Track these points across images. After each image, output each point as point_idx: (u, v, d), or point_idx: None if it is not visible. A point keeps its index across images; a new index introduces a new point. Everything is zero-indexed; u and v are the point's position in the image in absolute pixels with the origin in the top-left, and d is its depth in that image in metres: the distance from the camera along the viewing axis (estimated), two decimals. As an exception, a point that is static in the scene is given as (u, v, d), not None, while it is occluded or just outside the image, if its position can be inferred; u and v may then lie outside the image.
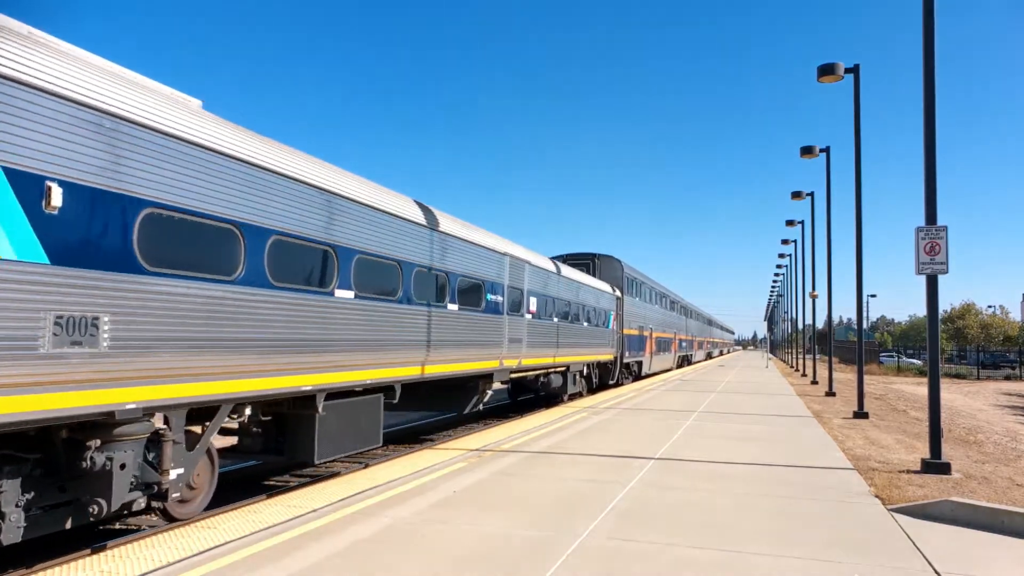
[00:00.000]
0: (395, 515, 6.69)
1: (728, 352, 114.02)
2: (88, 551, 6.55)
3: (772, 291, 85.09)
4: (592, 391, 23.27)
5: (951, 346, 69.78)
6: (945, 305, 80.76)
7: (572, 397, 20.54)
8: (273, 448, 8.71)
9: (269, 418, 8.66)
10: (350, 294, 8.89)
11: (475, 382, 13.89)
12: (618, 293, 26.16)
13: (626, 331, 26.82)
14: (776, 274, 67.62)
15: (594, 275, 25.51)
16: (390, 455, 11.86)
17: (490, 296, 13.59)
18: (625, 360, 26.89)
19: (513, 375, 15.58)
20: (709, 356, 72.61)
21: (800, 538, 6.14)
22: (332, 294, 8.54)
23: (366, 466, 10.25)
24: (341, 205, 8.79)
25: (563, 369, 19.06)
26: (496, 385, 14.84)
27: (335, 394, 8.94)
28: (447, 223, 11.86)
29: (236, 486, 9.83)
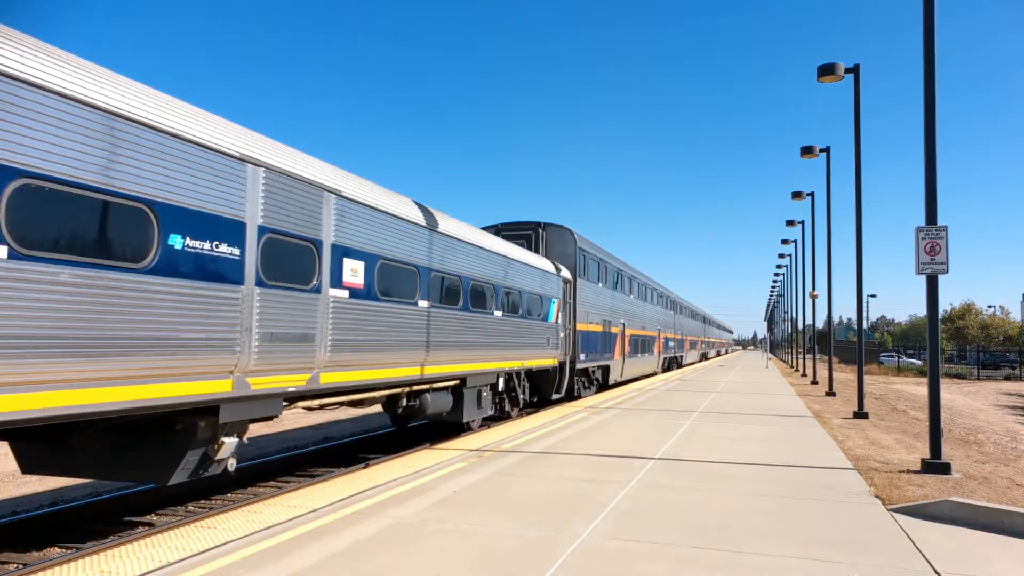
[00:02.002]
0: (395, 515, 6.69)
1: (727, 352, 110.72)
2: (89, 549, 6.55)
3: (772, 291, 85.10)
4: (532, 406, 17.89)
5: (951, 346, 69.78)
6: (945, 305, 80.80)
7: (487, 423, 14.83)
8: None
9: None
10: None
11: (174, 425, 6.93)
12: (566, 274, 18.92)
13: (581, 326, 19.82)
14: (776, 274, 67.68)
15: (537, 250, 18.68)
16: (390, 455, 11.86)
17: (187, 242, 6.44)
18: (580, 365, 19.76)
19: (301, 403, 9.00)
20: (704, 357, 66.06)
21: (800, 538, 6.14)
22: None
23: (366, 466, 10.25)
24: None
25: (452, 384, 12.48)
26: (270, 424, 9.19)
27: None
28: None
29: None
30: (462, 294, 12.39)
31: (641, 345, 30.30)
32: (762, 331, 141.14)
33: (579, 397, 20.28)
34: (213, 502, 9.32)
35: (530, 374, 16.88)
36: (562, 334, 18.22)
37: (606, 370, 23.69)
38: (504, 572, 5.15)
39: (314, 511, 6.77)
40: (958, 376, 44.97)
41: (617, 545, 5.83)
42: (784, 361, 68.57)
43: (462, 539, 5.95)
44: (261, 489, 10.07)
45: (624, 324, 26.29)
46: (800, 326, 48.16)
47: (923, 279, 9.96)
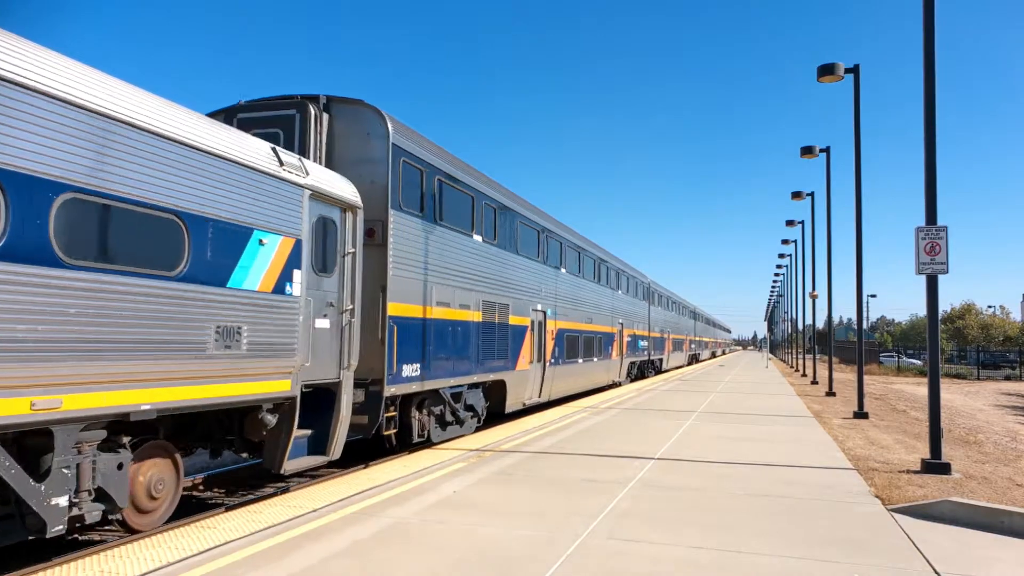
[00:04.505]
0: (395, 515, 6.69)
1: (724, 353, 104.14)
2: (89, 549, 6.54)
3: (772, 291, 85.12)
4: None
5: (951, 346, 69.73)
6: (945, 305, 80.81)
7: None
8: None
9: None
10: None
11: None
12: (349, 195, 8.99)
13: (401, 308, 10.20)
14: (776, 274, 67.69)
15: (304, 151, 9.55)
16: (390, 456, 11.85)
17: None
18: (399, 389, 10.17)
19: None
20: (695, 359, 57.62)
21: (800, 538, 6.14)
22: None
23: (366, 466, 10.25)
24: None
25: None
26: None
27: None
28: None
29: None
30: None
31: (585, 345, 21.01)
32: (762, 331, 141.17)
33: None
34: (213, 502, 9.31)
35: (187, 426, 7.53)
36: (321, 323, 8.39)
37: (498, 388, 14.10)
38: (504, 572, 5.15)
39: (314, 511, 6.78)
40: (958, 376, 44.95)
41: (617, 545, 5.82)
42: (784, 361, 68.58)
43: (462, 539, 5.95)
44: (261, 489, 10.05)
45: (547, 313, 17.25)
46: (800, 326, 48.20)
47: (923, 279, 9.96)
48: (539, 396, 16.78)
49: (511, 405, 14.74)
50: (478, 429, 12.16)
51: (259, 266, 7.30)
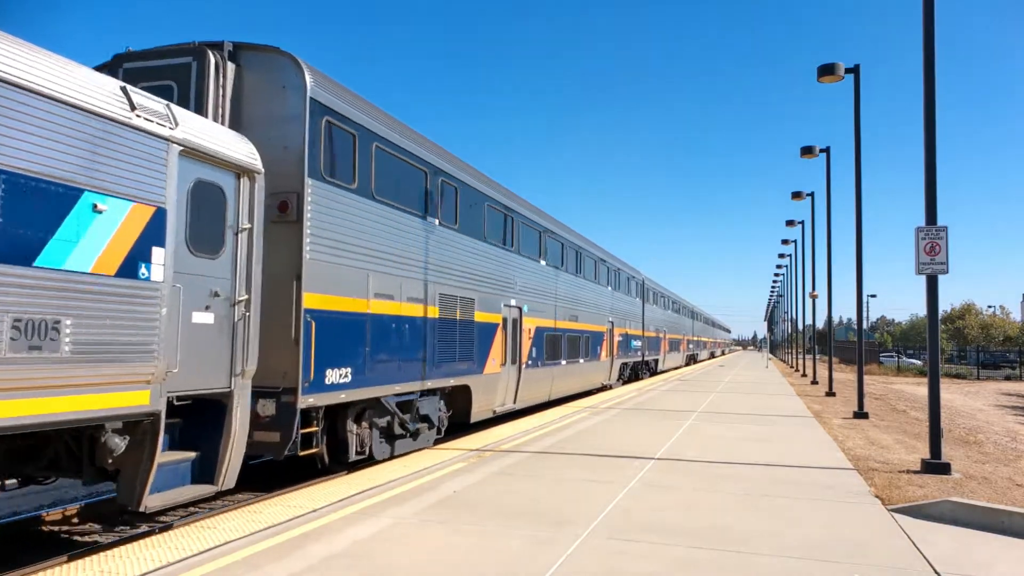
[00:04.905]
0: (395, 515, 6.69)
1: (723, 353, 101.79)
2: (89, 549, 6.55)
3: (772, 291, 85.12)
4: None
5: (951, 346, 69.73)
6: (945, 305, 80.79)
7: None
8: None
9: None
10: None
11: None
12: (244, 157, 7.19)
13: (320, 300, 8.46)
14: (776, 274, 67.71)
15: (202, 107, 7.90)
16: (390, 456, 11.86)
17: None
18: (317, 399, 8.42)
19: None
20: (692, 360, 55.19)
21: (800, 538, 6.14)
22: None
23: (367, 466, 10.25)
24: None
25: None
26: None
27: None
28: None
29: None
30: None
31: (569, 346, 19.35)
32: (762, 331, 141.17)
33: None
34: (213, 502, 9.32)
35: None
36: (200, 317, 6.73)
37: (462, 394, 12.46)
38: (504, 572, 5.16)
39: (314, 511, 6.78)
40: (958, 376, 44.96)
41: (617, 545, 5.83)
42: (784, 361, 68.60)
43: (462, 539, 5.96)
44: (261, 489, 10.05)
45: (523, 309, 15.53)
46: (800, 326, 48.21)
47: (923, 279, 9.97)
48: (513, 402, 14.95)
49: (478, 413, 12.87)
50: (438, 441, 11.24)
51: (92, 240, 5.46)
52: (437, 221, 11.52)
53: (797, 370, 46.72)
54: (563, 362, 18.77)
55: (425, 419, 11.08)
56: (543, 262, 17.36)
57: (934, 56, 10.07)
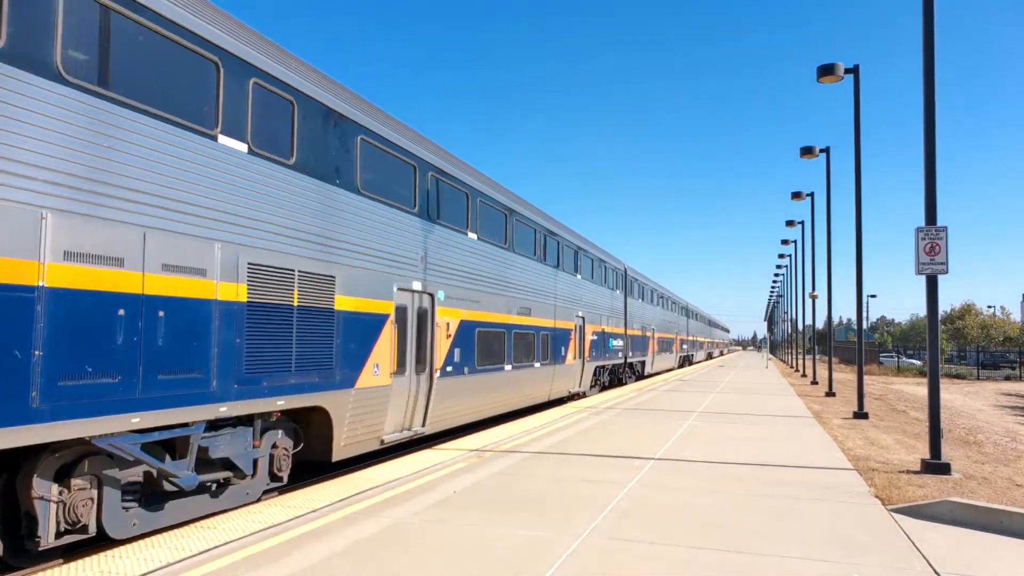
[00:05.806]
0: (395, 515, 6.69)
1: (722, 354, 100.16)
2: (89, 549, 6.54)
3: (772, 291, 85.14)
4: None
5: (951, 346, 69.73)
6: (945, 305, 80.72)
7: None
8: None
9: None
10: None
11: None
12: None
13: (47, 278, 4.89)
14: (776, 274, 67.70)
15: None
16: (390, 456, 11.86)
17: None
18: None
19: None
20: (687, 361, 51.37)
21: (800, 538, 6.14)
22: None
23: (366, 466, 10.25)
24: None
25: None
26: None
27: None
28: None
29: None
30: None
31: (518, 346, 15.48)
32: (762, 331, 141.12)
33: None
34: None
35: None
36: None
37: (318, 420, 8.66)
38: (504, 572, 5.16)
39: (314, 511, 6.78)
40: (958, 376, 44.96)
41: (617, 545, 5.83)
42: (784, 361, 68.61)
43: (462, 539, 5.96)
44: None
45: (437, 296, 11.65)
46: (800, 326, 48.20)
47: (923, 279, 9.97)
48: (422, 424, 11.15)
49: (348, 447, 9.07)
50: (283, 490, 8.04)
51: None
52: (242, 145, 7.24)
53: (797, 370, 46.71)
54: (508, 367, 14.81)
55: (227, 465, 7.36)
56: (472, 235, 13.30)
57: (934, 56, 10.07)
